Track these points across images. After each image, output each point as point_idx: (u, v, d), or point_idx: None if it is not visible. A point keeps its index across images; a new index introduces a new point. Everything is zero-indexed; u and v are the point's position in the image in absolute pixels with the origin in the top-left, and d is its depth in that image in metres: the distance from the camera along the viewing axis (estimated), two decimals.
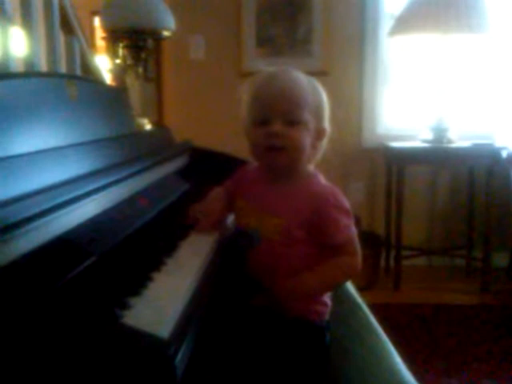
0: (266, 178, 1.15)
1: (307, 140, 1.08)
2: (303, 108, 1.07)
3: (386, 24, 3.21)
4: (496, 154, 2.94)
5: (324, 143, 1.14)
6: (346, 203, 1.09)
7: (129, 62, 1.98)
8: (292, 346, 1.10)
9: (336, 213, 1.06)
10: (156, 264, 0.96)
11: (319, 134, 1.11)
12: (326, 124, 1.13)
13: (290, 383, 1.08)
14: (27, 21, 1.64)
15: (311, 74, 1.16)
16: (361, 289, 1.66)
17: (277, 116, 1.06)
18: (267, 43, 3.29)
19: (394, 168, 3.07)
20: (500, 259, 3.21)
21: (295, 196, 1.09)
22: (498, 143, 3.04)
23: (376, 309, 1.47)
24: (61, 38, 1.88)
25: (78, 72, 1.96)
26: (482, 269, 2.99)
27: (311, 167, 1.16)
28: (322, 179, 1.14)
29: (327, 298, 1.17)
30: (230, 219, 1.30)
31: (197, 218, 1.23)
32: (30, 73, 1.50)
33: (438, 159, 3.06)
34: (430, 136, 3.01)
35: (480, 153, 2.95)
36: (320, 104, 1.11)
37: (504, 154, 3.01)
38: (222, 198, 1.24)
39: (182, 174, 1.67)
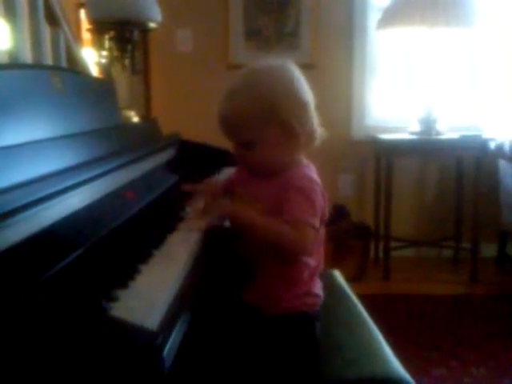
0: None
1: (265, 153, 1.10)
2: (248, 127, 1.08)
3: (374, 16, 3.20)
4: (484, 146, 2.96)
5: (310, 129, 1.11)
6: (313, 195, 1.07)
7: (115, 53, 1.96)
8: (282, 337, 1.11)
9: (295, 194, 1.07)
10: (144, 256, 0.95)
11: (286, 132, 1.09)
12: (293, 112, 1.08)
13: (279, 373, 1.08)
14: (11, 13, 1.62)
15: (299, 66, 1.15)
16: (350, 279, 1.67)
17: (231, 139, 1.13)
18: (255, 36, 3.27)
19: (383, 160, 3.07)
20: (488, 249, 3.23)
21: (274, 185, 1.11)
22: (486, 134, 3.05)
23: (365, 299, 1.48)
24: (46, 30, 1.86)
25: (64, 65, 1.93)
26: (471, 259, 3.01)
27: (301, 158, 1.16)
28: (308, 171, 1.14)
29: (318, 289, 1.17)
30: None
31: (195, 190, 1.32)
32: (13, 64, 1.48)
33: (427, 151, 3.07)
34: (418, 128, 3.02)
35: (468, 144, 2.96)
36: (273, 100, 1.07)
37: (492, 145, 3.03)
38: (217, 182, 1.34)
39: (169, 166, 1.66)
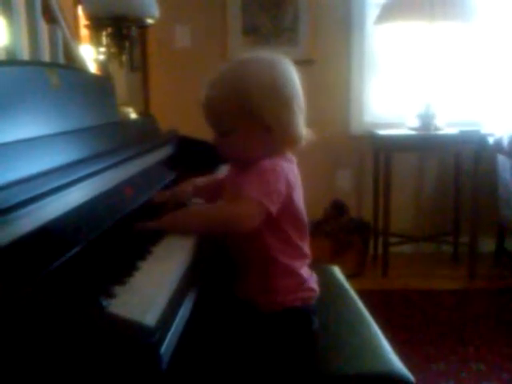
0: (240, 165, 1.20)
1: (238, 143, 1.11)
2: (222, 117, 1.11)
3: (372, 12, 3.20)
4: (482, 141, 2.96)
5: (290, 128, 1.10)
6: (268, 175, 1.05)
7: (113, 50, 1.95)
8: (279, 332, 1.11)
9: (250, 175, 1.07)
10: (142, 253, 0.95)
11: (259, 126, 1.08)
12: (269, 108, 1.07)
13: (278, 369, 1.08)
14: (8, 9, 1.61)
15: (297, 62, 1.14)
16: (349, 276, 1.67)
17: (211, 126, 1.15)
18: (253, 32, 3.27)
19: (382, 155, 3.07)
20: (487, 244, 3.24)
21: (247, 176, 1.09)
22: (484, 130, 3.05)
23: (364, 295, 1.48)
24: (43, 27, 1.85)
25: (62, 61, 1.93)
26: (469, 254, 3.01)
27: (287, 153, 1.15)
28: (282, 160, 1.11)
29: (313, 283, 1.17)
30: None
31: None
32: (10, 61, 1.48)
33: (425, 146, 3.07)
34: (417, 123, 3.02)
35: (467, 139, 2.96)
36: (246, 94, 1.07)
37: (490, 140, 3.03)
38: (192, 184, 1.36)
39: (168, 163, 1.66)
